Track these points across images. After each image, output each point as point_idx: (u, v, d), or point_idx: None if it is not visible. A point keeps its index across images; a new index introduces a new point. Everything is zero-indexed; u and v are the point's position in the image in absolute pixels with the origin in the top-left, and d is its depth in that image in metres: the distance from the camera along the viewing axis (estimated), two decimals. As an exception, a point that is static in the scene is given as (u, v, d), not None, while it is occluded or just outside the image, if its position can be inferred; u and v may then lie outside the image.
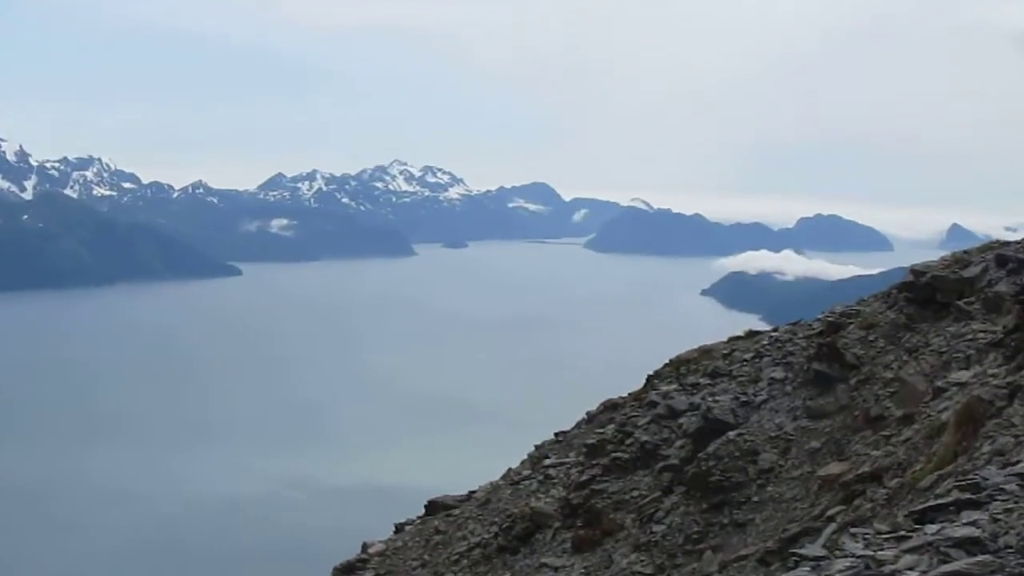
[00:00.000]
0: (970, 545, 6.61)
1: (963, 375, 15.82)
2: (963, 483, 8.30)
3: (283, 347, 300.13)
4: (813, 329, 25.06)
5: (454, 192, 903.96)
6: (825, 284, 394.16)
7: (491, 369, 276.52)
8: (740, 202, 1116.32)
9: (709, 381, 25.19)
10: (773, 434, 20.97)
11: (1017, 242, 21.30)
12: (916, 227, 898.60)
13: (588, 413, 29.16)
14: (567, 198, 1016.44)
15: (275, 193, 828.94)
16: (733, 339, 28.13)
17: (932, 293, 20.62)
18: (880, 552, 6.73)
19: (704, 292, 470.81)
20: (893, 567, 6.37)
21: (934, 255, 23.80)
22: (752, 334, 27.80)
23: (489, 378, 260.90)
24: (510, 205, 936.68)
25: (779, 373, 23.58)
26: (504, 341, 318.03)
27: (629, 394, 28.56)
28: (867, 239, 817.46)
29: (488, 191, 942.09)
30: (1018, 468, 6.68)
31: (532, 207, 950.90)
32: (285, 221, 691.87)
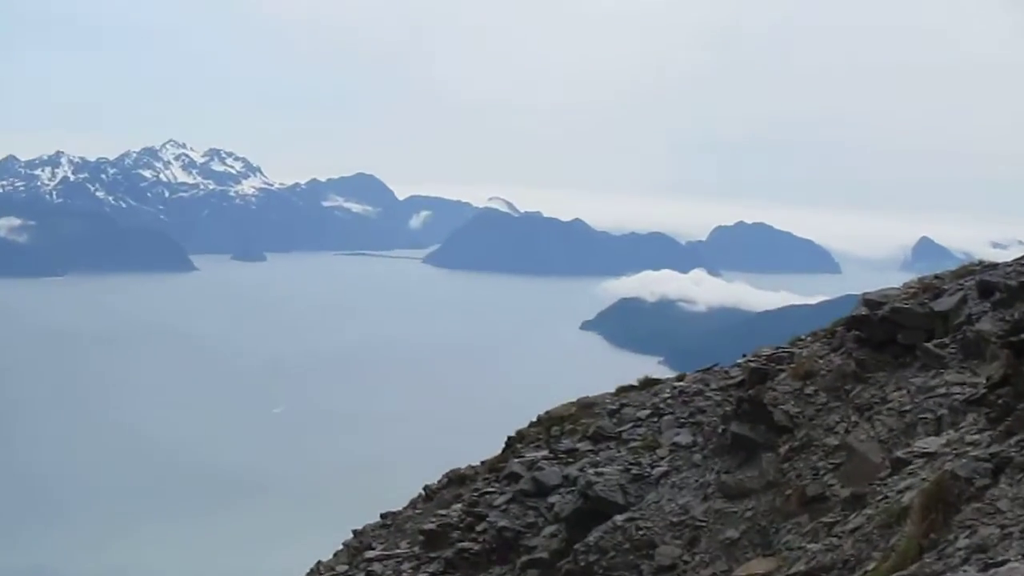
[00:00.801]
0: None
1: (932, 442, 15.90)
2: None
3: (7, 394, 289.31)
4: (731, 378, 25.17)
5: (248, 185, 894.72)
6: (748, 316, 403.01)
7: (290, 428, 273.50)
8: (635, 206, 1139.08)
9: (591, 447, 25.05)
10: (676, 519, 20.84)
11: (1007, 264, 21.78)
12: (872, 242, 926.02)
13: (427, 488, 28.81)
14: (402, 196, 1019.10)
15: (3, 183, 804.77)
16: (623, 390, 28.14)
17: (892, 332, 20.76)
18: None
19: (586, 325, 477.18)
20: None
21: (895, 280, 24.22)
22: (649, 384, 27.85)
23: (287, 440, 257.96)
24: (325, 204, 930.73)
25: (685, 437, 23.58)
26: (311, 391, 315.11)
27: (482, 463, 28.29)
28: (806, 256, 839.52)
29: (296, 185, 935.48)
30: (1003, 571, 6.40)
31: (355, 207, 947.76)
32: (17, 221, 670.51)
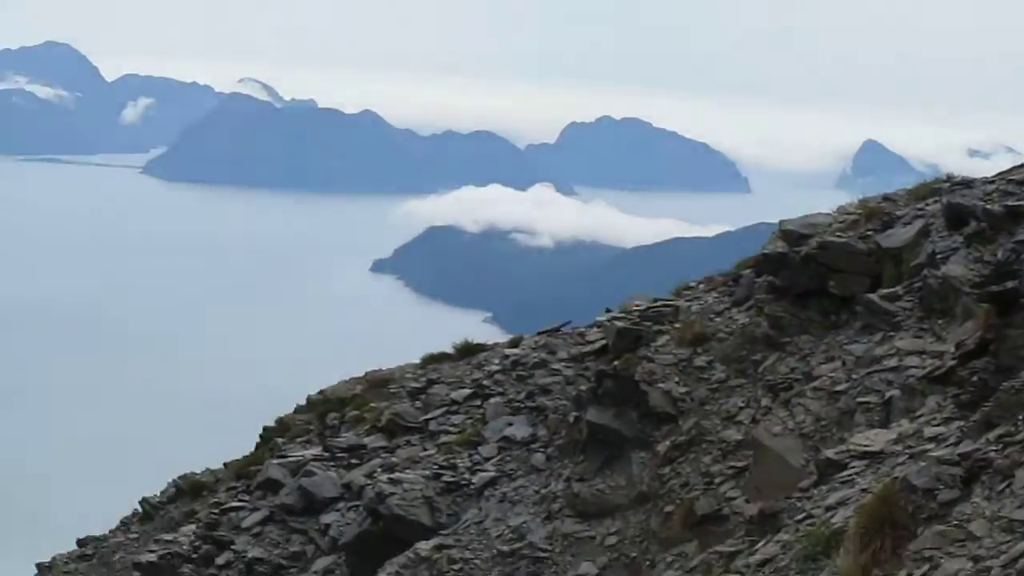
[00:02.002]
0: None
1: (877, 438, 16.00)
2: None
3: None
4: (588, 343, 25.12)
5: None
6: (615, 253, 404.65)
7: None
8: (454, 94, 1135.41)
9: (384, 442, 24.86)
10: (506, 547, 20.75)
11: (988, 180, 21.92)
12: (796, 148, 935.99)
13: (145, 502, 28.50)
14: (111, 76, 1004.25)
15: None
16: (432, 360, 28.06)
17: (821, 277, 20.88)
18: None
19: (380, 264, 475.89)
20: None
21: (828, 201, 24.26)
22: (470, 351, 27.81)
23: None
24: (1, 87, 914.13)
25: (521, 429, 23.49)
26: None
27: (225, 465, 27.98)
28: (700, 167, 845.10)
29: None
30: None
31: (44, 92, 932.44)
32: None
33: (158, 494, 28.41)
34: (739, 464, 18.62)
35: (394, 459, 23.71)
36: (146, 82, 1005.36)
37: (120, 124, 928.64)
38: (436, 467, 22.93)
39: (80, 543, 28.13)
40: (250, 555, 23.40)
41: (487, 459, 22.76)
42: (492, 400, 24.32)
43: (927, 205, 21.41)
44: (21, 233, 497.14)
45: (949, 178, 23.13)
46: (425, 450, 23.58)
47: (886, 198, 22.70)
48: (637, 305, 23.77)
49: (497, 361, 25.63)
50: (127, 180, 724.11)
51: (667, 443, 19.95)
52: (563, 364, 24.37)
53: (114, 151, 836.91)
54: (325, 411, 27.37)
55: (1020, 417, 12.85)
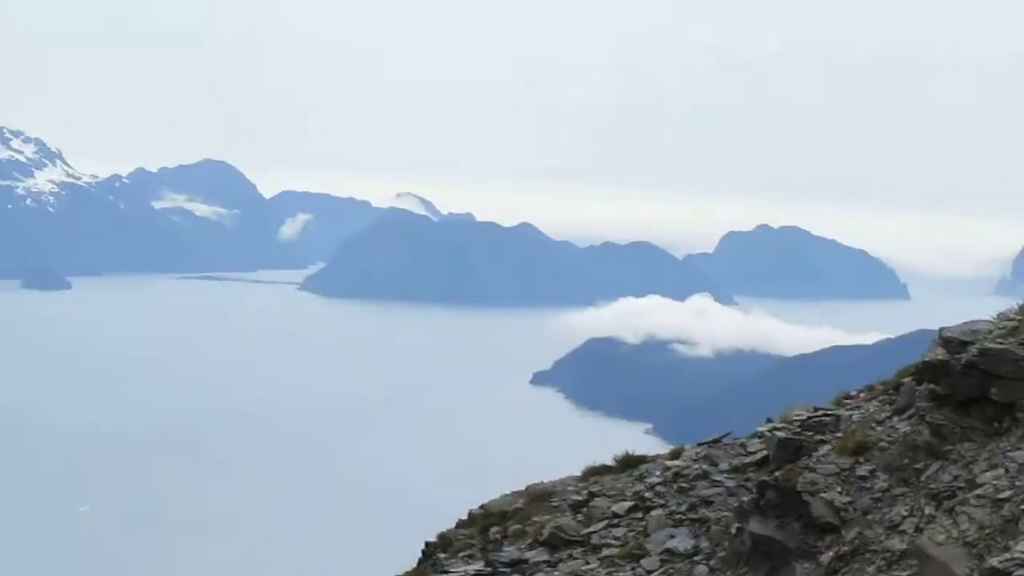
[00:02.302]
0: None
1: (1044, 546, 15.91)
2: None
3: None
4: (750, 454, 25.04)
5: (45, 178, 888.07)
6: (775, 363, 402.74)
7: (100, 533, 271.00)
8: (613, 205, 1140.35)
9: (546, 556, 24.82)
10: (671, 661, 20.63)
11: None
12: (956, 255, 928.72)
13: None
14: (269, 192, 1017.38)
15: None
16: (593, 472, 28.02)
17: (984, 385, 20.71)
18: None
19: (540, 376, 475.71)
20: None
21: (988, 308, 24.05)
22: (631, 463, 27.73)
23: (96, 553, 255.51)
24: (158, 205, 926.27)
25: (683, 541, 23.40)
26: (135, 476, 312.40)
27: (389, 582, 27.98)
28: (858, 275, 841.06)
29: (115, 177, 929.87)
30: None
31: (201, 209, 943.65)
32: None
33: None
34: (904, 573, 18.43)
35: (557, 573, 23.68)
36: (304, 198, 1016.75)
37: (278, 241, 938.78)
38: (600, 579, 22.91)
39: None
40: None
41: (650, 572, 22.68)
42: (654, 512, 24.26)
43: (1092, 313, 21.21)
44: (186, 343, 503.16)
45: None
46: (588, 564, 23.52)
47: (1052, 304, 22.48)
48: (798, 415, 23.68)
49: (658, 473, 25.57)
50: (286, 296, 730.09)
51: (831, 553, 19.81)
52: (725, 475, 24.27)
53: (273, 267, 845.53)
54: (487, 525, 27.35)
55: None
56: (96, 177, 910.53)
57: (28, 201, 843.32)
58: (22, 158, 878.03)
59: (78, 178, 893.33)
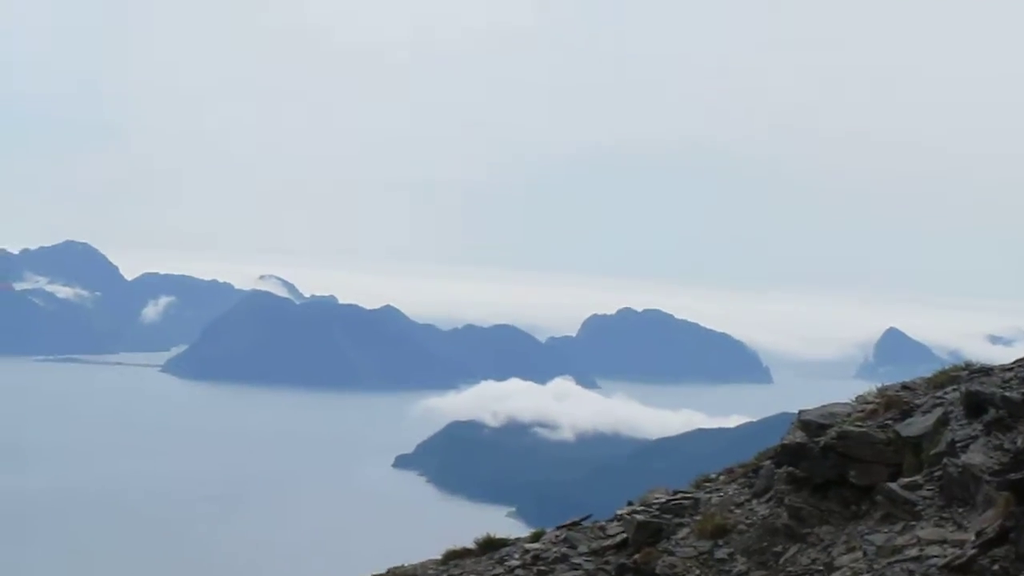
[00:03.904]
0: None
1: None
2: None
3: None
4: (610, 536, 25.00)
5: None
6: (636, 446, 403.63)
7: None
8: (469, 287, 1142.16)
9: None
10: None
11: (1006, 368, 21.89)
12: (818, 337, 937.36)
13: None
14: (131, 275, 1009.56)
15: None
16: (453, 556, 27.91)
17: (841, 467, 20.79)
18: None
19: (402, 460, 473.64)
20: None
21: (848, 391, 24.27)
22: (492, 546, 27.63)
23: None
24: (20, 287, 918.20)
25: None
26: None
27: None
28: (720, 358, 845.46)
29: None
30: None
31: (63, 291, 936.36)
32: None
33: None
34: (764, 660, 18.47)
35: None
36: (166, 280, 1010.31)
37: (140, 323, 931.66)
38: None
39: None
40: None
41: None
42: (512, 597, 24.17)
43: (946, 393, 21.40)
44: (41, 427, 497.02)
45: (968, 366, 23.12)
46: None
47: (905, 387, 22.71)
48: (657, 497, 23.73)
49: (518, 556, 25.46)
50: (147, 379, 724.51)
51: (690, 637, 19.80)
52: (584, 558, 24.20)
53: (135, 349, 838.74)
54: (349, 608, 27.23)
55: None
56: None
57: None
58: None
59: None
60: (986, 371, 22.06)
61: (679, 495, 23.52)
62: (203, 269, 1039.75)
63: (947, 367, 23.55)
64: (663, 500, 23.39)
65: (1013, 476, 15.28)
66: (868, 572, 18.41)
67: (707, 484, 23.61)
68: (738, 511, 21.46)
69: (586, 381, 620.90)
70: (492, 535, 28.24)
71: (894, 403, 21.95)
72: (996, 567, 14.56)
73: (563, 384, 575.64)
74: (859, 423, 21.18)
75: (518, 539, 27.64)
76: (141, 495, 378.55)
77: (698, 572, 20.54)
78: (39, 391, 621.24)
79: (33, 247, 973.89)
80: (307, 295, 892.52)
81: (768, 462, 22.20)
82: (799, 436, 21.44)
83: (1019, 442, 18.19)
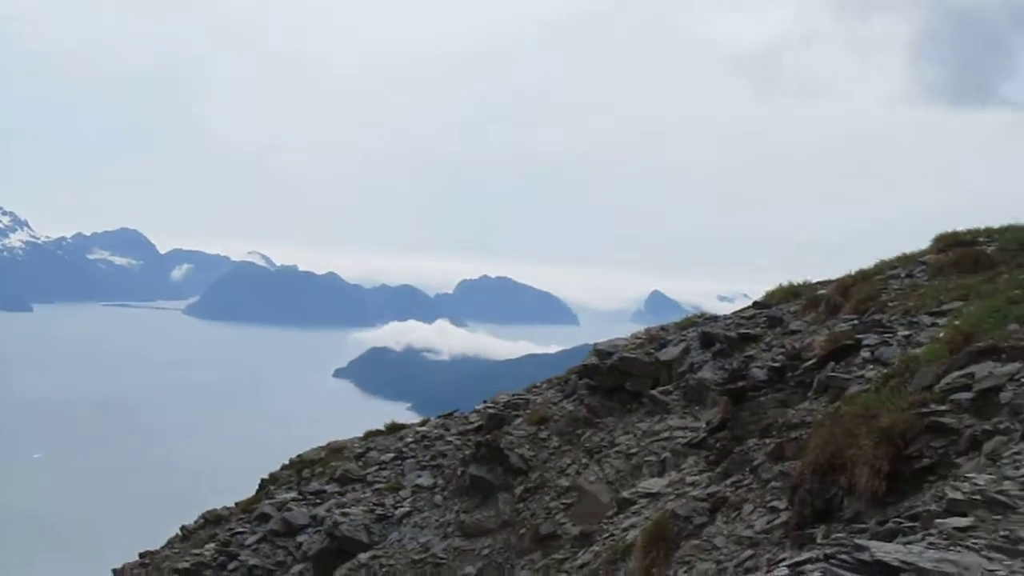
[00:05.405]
0: None
1: (655, 483, 15.75)
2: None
3: None
4: (470, 423, 24.81)
5: (16, 239, 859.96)
6: (490, 365, 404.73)
7: (51, 473, 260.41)
8: (387, 260, 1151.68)
9: (338, 489, 24.27)
10: (417, 556, 20.27)
11: (727, 317, 22.03)
12: (607, 295, 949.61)
13: (184, 528, 27.62)
14: (163, 250, 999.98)
15: None
16: (371, 435, 27.51)
17: (620, 379, 20.77)
18: None
19: (339, 372, 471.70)
20: None
21: (627, 330, 24.31)
22: (395, 428, 27.30)
23: (47, 484, 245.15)
24: (90, 257, 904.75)
25: (426, 479, 23.05)
26: (74, 434, 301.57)
27: (237, 504, 27.21)
28: (546, 308, 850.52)
29: (62, 238, 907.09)
30: None
31: (119, 260, 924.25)
32: None
33: (192, 522, 27.55)
34: (568, 501, 18.26)
35: (344, 500, 23.07)
36: (186, 254, 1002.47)
37: (169, 281, 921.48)
38: (372, 504, 22.37)
39: (141, 555, 27.13)
40: (250, 563, 22.63)
41: (404, 499, 22.22)
42: (408, 460, 23.84)
43: (688, 333, 21.36)
44: (106, 346, 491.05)
45: (703, 315, 23.24)
46: (364, 494, 22.98)
47: (662, 328, 22.68)
48: (502, 398, 23.55)
49: (411, 435, 25.15)
50: (174, 318, 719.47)
51: (521, 488, 19.57)
52: (454, 437, 23.92)
53: (165, 299, 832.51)
54: (300, 468, 26.68)
55: (747, 470, 12.68)
56: (49, 238, 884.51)
57: (4, 254, 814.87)
58: (1, 225, 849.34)
59: (38, 239, 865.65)
60: (714, 318, 22.11)
61: (516, 396, 23.31)
62: (210, 245, 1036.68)
63: (690, 315, 23.57)
64: (505, 399, 23.18)
65: (729, 386, 15.21)
66: (637, 447, 18.31)
67: (535, 389, 23.41)
68: (554, 407, 21.25)
69: (458, 322, 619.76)
70: (395, 421, 27.97)
71: (655, 338, 21.89)
72: (718, 444, 14.44)
73: (443, 324, 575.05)
74: (632, 351, 21.10)
75: (412, 424, 27.32)
76: (158, 401, 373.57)
77: (527, 447, 20.35)
78: (100, 325, 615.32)
79: (100, 231, 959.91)
80: (278, 264, 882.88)
81: (574, 376, 22.04)
82: (593, 359, 21.31)
83: (734, 364, 18.16)
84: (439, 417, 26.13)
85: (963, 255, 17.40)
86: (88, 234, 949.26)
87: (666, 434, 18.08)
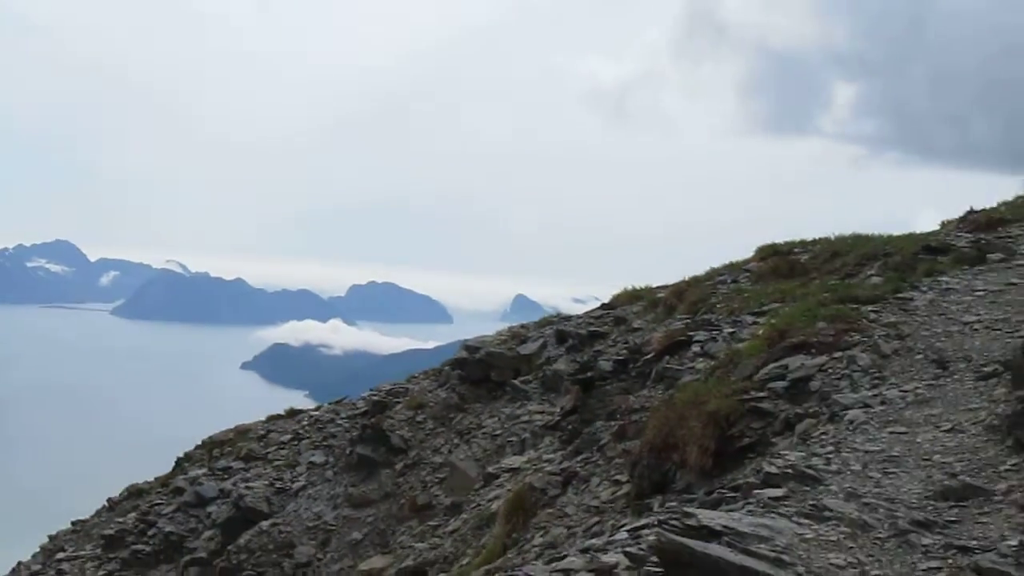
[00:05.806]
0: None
1: (516, 460, 15.64)
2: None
3: None
4: (357, 408, 24.53)
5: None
6: (376, 359, 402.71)
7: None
8: (287, 267, 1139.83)
9: (243, 465, 23.74)
10: (311, 524, 19.90)
11: (579, 317, 22.06)
12: (479, 297, 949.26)
13: (110, 500, 26.95)
14: (93, 258, 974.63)
15: None
16: (272, 419, 27.04)
17: (486, 370, 20.69)
18: None
19: (245, 365, 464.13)
20: None
21: (494, 329, 24.26)
22: (293, 413, 26.86)
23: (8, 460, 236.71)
24: (28, 265, 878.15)
25: (319, 457, 22.65)
26: (10, 419, 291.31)
27: (156, 479, 26.73)
28: (425, 309, 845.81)
29: (4, 249, 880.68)
30: (563, 564, 6.09)
31: (53, 268, 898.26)
32: None
33: (117, 495, 26.72)
34: (441, 476, 18.07)
35: (248, 475, 22.52)
36: (113, 262, 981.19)
37: (98, 286, 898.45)
38: (272, 479, 21.86)
39: (73, 523, 26.25)
40: (167, 530, 21.96)
41: (300, 475, 21.76)
42: (304, 441, 23.37)
43: (546, 330, 21.30)
44: (38, 344, 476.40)
45: (558, 315, 23.21)
46: (265, 470, 22.46)
47: (523, 326, 22.61)
48: (385, 387, 23.23)
49: (307, 419, 24.66)
50: (102, 318, 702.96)
51: (401, 464, 19.31)
52: (344, 420, 23.50)
53: (94, 302, 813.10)
54: (211, 448, 26.03)
55: (594, 448, 12.63)
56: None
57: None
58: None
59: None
60: (568, 318, 22.10)
61: (397, 385, 23.04)
62: (134, 255, 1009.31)
63: (548, 315, 23.53)
64: (388, 388, 22.90)
65: (580, 376, 15.17)
66: (501, 429, 18.20)
67: (414, 379, 23.17)
68: (430, 395, 21.04)
69: (349, 322, 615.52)
70: (293, 407, 27.51)
71: (517, 335, 21.82)
72: (570, 427, 14.38)
73: (336, 323, 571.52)
74: (498, 346, 20.98)
75: (307, 409, 26.86)
76: (90, 389, 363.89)
77: (407, 429, 20.10)
78: (38, 325, 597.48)
79: (39, 242, 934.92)
80: (193, 271, 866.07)
81: (447, 367, 21.86)
82: (463, 353, 21.16)
83: (585, 358, 18.13)
84: (331, 403, 25.71)
85: (781, 263, 17.68)
86: (28, 245, 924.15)
87: (526, 418, 18.02)
